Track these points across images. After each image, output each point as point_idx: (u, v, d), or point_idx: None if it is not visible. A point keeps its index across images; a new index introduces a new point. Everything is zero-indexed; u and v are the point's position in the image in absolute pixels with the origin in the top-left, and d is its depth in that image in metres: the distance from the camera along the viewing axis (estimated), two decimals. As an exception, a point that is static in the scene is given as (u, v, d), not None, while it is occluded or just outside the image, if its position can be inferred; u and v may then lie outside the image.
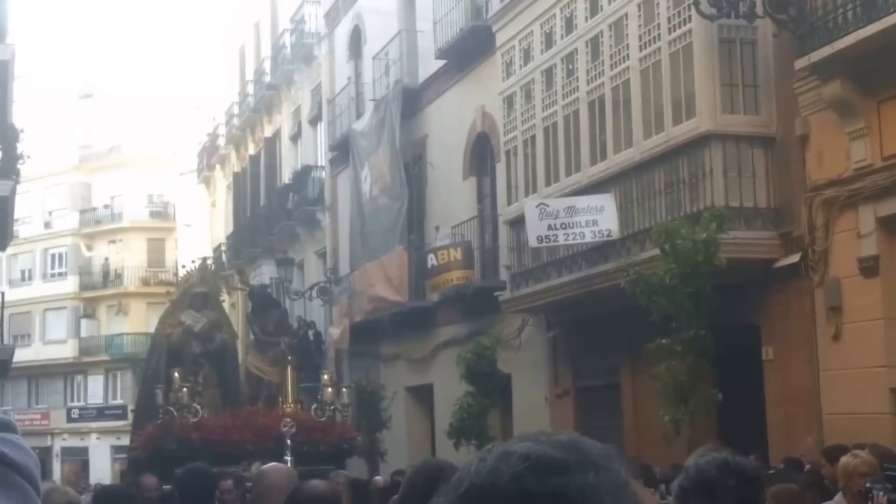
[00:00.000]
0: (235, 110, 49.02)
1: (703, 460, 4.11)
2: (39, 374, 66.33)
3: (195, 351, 23.19)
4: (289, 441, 19.29)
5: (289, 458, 18.47)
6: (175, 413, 20.69)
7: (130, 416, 62.32)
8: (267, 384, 23.27)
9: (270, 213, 41.36)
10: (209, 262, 27.29)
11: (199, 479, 8.10)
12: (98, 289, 67.67)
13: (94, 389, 67.06)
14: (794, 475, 12.54)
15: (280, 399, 22.06)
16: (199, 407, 20.97)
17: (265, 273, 38.01)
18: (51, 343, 67.02)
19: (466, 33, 25.72)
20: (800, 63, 15.23)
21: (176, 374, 21.41)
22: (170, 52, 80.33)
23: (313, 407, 21.66)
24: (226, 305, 29.18)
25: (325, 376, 23.31)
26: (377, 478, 17.57)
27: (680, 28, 17.22)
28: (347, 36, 35.21)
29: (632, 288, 16.26)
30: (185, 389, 20.97)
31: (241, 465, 15.15)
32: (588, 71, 19.80)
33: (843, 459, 9.03)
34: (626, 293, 16.38)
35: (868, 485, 7.94)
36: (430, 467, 4.82)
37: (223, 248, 46.98)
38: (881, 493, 7.79)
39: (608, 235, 18.25)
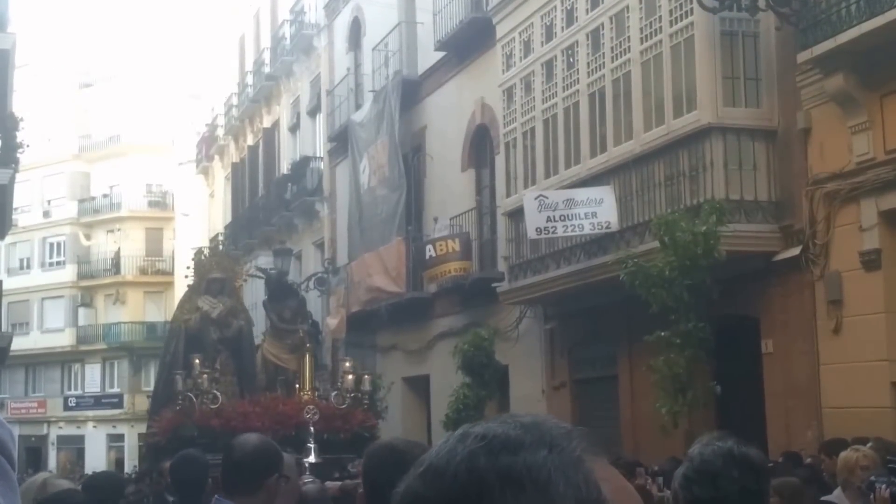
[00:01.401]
0: (234, 101, 49.00)
1: (707, 449, 4.05)
2: (37, 362, 66.32)
3: (213, 337, 23.08)
4: (312, 429, 19.23)
5: (312, 446, 18.45)
6: (194, 399, 20.61)
7: (127, 404, 62.65)
8: (283, 371, 23.17)
9: (269, 203, 41.34)
10: (204, 251, 27.11)
11: (192, 466, 8.11)
12: (96, 277, 67.64)
13: (92, 378, 67.04)
14: (792, 469, 12.53)
15: (297, 386, 21.95)
16: (218, 393, 20.90)
17: (262, 263, 37.94)
18: (48, 331, 66.99)
19: (466, 25, 25.67)
20: (802, 56, 15.20)
21: (197, 361, 21.32)
22: (170, 42, 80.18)
23: (333, 394, 21.60)
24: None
25: (347, 364, 23.26)
26: None
27: (681, 21, 17.17)
28: (347, 27, 35.15)
29: (630, 280, 16.22)
30: (205, 375, 20.90)
31: None
32: (588, 63, 19.75)
33: (844, 454, 9.00)
34: (624, 285, 16.35)
35: (872, 478, 7.90)
36: (384, 450, 4.75)
37: (220, 237, 46.94)
38: (884, 487, 7.76)
39: (607, 227, 18.21)
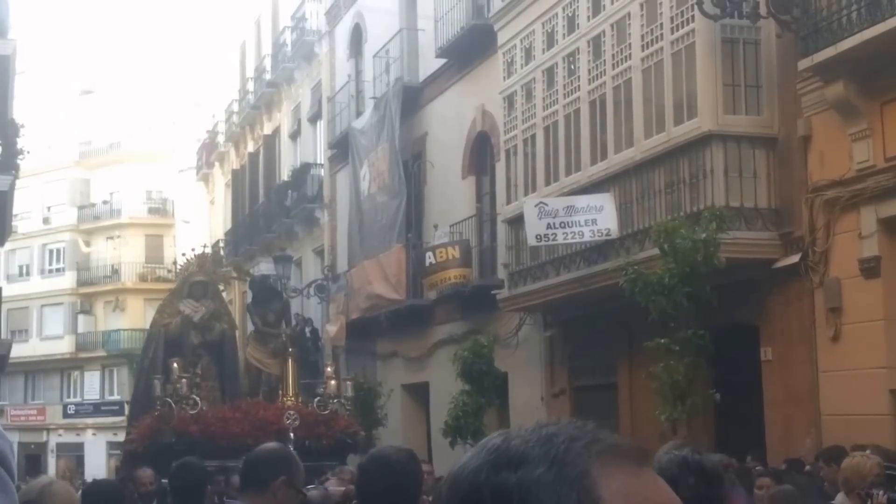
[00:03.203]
0: (235, 107, 49.05)
1: (665, 458, 4.22)
2: (36, 369, 66.29)
3: (194, 341, 22.54)
4: (292, 435, 19.02)
5: None
6: (173, 405, 20.23)
7: (127, 411, 62.57)
8: (267, 376, 22.81)
9: (269, 210, 41.35)
10: (207, 249, 26.86)
11: (191, 474, 8.06)
12: (96, 284, 67.61)
13: (91, 385, 67.01)
14: (794, 476, 12.53)
15: (280, 392, 21.65)
16: (197, 399, 20.57)
17: (263, 270, 37.96)
18: (48, 339, 66.97)
19: (467, 32, 25.69)
20: (803, 64, 15.20)
21: (175, 365, 20.84)
22: (171, 48, 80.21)
23: (315, 400, 21.30)
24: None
25: (329, 369, 22.98)
26: None
27: (683, 28, 17.17)
28: (348, 34, 35.19)
29: (630, 287, 16.21)
30: (184, 380, 20.54)
31: (240, 460, 14.72)
32: (589, 70, 19.75)
33: (856, 461, 8.94)
34: (624, 292, 16.33)
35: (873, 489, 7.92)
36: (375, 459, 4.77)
37: (221, 244, 46.95)
38: (881, 493, 7.77)
39: (607, 235, 18.20)
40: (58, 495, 6.52)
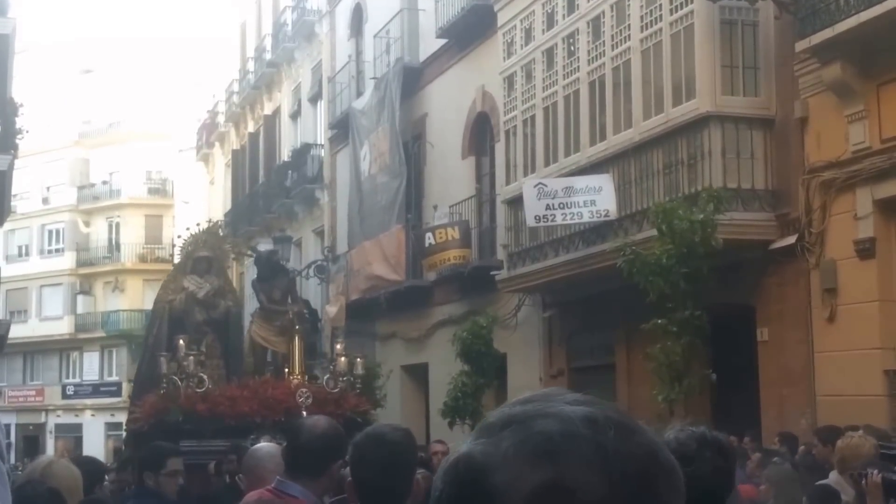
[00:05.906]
0: (235, 87, 49.01)
1: (682, 434, 4.46)
2: (35, 350, 66.30)
3: (198, 318, 22.05)
4: (304, 413, 18.76)
5: None
6: (179, 383, 19.69)
7: (125, 392, 62.62)
8: (272, 354, 22.42)
9: (269, 190, 41.36)
10: (218, 223, 26.30)
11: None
12: (95, 265, 67.62)
13: (90, 366, 67.05)
14: (788, 455, 12.61)
15: (286, 370, 21.28)
16: (204, 377, 20.16)
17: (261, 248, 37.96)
18: (47, 319, 66.98)
19: (468, 12, 25.69)
20: (800, 45, 15.26)
21: (181, 342, 20.43)
22: (171, 27, 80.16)
23: (325, 378, 20.95)
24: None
25: (339, 346, 22.62)
26: None
27: (682, 9, 17.22)
28: (349, 14, 35.19)
29: (628, 268, 16.26)
30: (190, 358, 20.09)
31: (248, 439, 14.41)
32: (589, 51, 19.79)
33: (854, 441, 9.00)
34: (622, 273, 16.39)
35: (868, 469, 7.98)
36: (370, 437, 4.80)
37: (220, 224, 46.90)
38: (875, 472, 7.83)
39: (606, 215, 18.26)
40: (59, 476, 6.60)
